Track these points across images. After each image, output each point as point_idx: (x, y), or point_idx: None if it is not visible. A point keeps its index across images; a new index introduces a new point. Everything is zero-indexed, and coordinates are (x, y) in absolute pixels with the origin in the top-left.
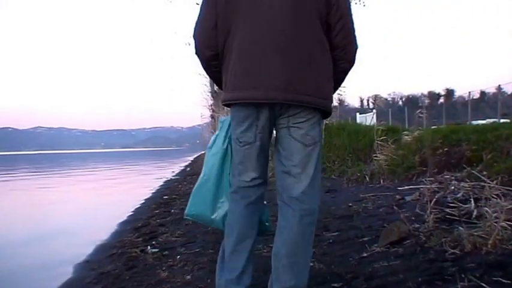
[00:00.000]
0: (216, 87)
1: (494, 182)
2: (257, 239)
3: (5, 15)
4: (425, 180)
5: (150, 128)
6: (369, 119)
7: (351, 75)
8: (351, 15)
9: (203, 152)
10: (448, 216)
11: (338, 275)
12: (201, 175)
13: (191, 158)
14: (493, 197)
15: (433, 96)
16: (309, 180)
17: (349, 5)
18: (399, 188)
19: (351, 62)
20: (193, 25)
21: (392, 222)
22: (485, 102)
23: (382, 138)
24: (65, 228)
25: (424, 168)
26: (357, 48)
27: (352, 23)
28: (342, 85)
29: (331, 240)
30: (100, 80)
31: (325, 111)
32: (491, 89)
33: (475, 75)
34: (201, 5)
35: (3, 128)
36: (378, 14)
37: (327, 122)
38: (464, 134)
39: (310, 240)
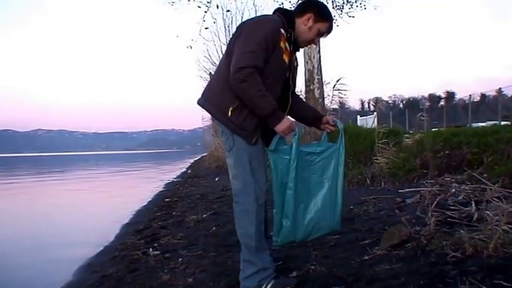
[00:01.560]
0: None
1: (495, 184)
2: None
3: (6, 16)
4: (426, 182)
5: (151, 131)
6: (369, 122)
7: (352, 77)
8: (239, 49)
9: (204, 154)
10: (449, 219)
11: (339, 278)
12: None
13: (192, 160)
14: (494, 200)
15: (434, 98)
16: (234, 180)
17: (241, 44)
18: (400, 191)
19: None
20: None
21: (393, 225)
22: (486, 104)
23: (383, 140)
24: (67, 230)
25: (425, 171)
26: (234, 77)
27: (237, 55)
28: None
29: (332, 243)
30: (101, 82)
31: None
32: (491, 92)
33: (475, 77)
34: None
35: (3, 130)
36: (378, 15)
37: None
38: (465, 137)
39: (242, 223)
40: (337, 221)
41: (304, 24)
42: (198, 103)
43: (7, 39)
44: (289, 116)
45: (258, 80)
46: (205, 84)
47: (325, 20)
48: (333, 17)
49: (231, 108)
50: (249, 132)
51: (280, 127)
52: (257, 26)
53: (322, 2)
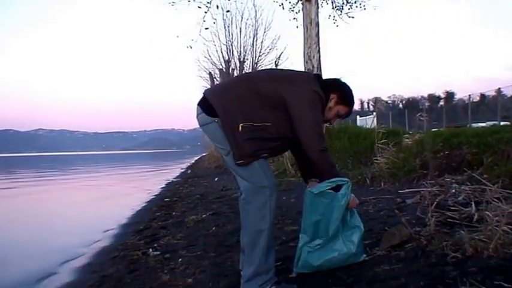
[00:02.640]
0: None
1: (495, 185)
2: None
3: (7, 15)
4: (426, 183)
5: (151, 131)
6: (369, 122)
7: (351, 77)
8: (305, 116)
9: (204, 154)
10: (449, 220)
11: (340, 279)
12: None
13: (192, 160)
14: (493, 201)
15: (433, 99)
16: (243, 181)
17: (303, 108)
18: (400, 191)
19: (312, 161)
20: None
21: (393, 226)
22: (485, 105)
23: (382, 141)
24: (67, 230)
25: (425, 171)
26: (316, 149)
27: (310, 125)
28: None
29: None
30: (102, 81)
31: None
32: (491, 92)
33: (475, 77)
34: None
35: (4, 130)
36: (378, 16)
37: (327, 125)
38: (465, 137)
39: (256, 221)
40: (360, 252)
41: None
42: (206, 95)
43: (8, 38)
44: None
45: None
46: (205, 83)
47: (346, 104)
48: (354, 103)
49: (241, 125)
50: (240, 152)
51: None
52: (311, 95)
53: (349, 87)
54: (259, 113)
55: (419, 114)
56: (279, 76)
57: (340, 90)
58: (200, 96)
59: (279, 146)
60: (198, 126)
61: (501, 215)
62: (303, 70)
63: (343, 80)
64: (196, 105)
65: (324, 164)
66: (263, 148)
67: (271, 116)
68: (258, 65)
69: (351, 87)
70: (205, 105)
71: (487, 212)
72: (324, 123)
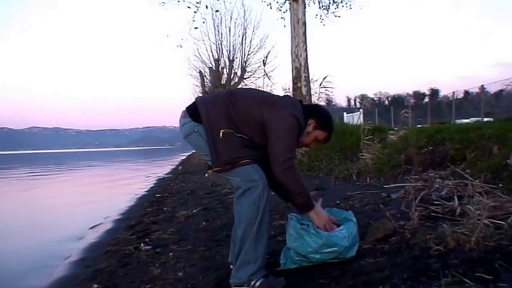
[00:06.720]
0: (207, 88)
1: (477, 180)
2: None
3: (4, 15)
4: (411, 178)
5: (143, 128)
6: (355, 119)
7: (338, 75)
8: (278, 140)
9: (194, 151)
10: (432, 214)
11: (325, 272)
12: None
13: (182, 157)
14: (475, 195)
15: (418, 96)
16: (233, 178)
17: (279, 133)
18: (385, 186)
19: (277, 180)
20: None
21: (378, 220)
22: (469, 101)
23: (368, 137)
24: (60, 225)
25: (410, 167)
26: (278, 169)
27: (280, 148)
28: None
29: None
30: (94, 79)
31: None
32: (474, 89)
33: (460, 76)
34: None
35: None
36: (364, 14)
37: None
38: (448, 133)
39: (249, 213)
40: (353, 251)
41: (305, 128)
42: (197, 102)
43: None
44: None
45: (296, 170)
46: (195, 82)
47: (324, 130)
48: (333, 129)
49: (222, 131)
50: (218, 159)
51: (315, 219)
52: (290, 120)
53: (329, 113)
54: (240, 126)
55: (404, 111)
56: (263, 98)
57: (318, 115)
58: (189, 99)
59: (260, 156)
60: None
61: (483, 209)
62: (293, 78)
63: (322, 106)
64: (182, 111)
65: (288, 183)
66: (243, 156)
67: (251, 131)
68: (247, 63)
69: (330, 114)
70: (193, 109)
71: (469, 206)
72: (302, 147)
